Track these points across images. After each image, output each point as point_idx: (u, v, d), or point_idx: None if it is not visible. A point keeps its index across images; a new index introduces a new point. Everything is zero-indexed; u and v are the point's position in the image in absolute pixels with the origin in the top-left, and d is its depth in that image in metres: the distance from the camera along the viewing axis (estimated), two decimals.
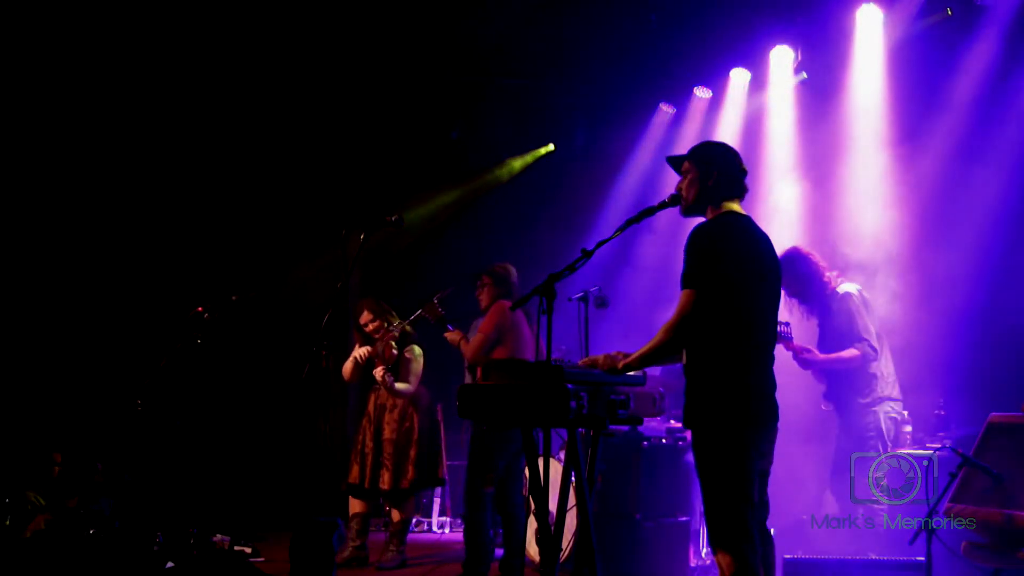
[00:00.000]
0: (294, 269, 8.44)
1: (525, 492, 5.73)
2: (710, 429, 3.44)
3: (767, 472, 3.55)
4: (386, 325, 6.44)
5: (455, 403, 3.71)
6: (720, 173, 3.64)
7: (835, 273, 5.52)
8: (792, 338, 5.31)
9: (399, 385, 6.41)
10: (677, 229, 7.79)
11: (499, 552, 5.97)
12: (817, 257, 5.51)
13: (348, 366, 6.55)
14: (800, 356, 5.37)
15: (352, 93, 8.33)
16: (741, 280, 3.47)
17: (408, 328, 6.41)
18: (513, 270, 5.88)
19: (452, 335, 5.87)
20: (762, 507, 3.54)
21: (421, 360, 6.53)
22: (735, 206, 3.65)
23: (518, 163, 9.38)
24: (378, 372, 6.38)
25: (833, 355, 5.33)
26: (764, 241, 3.63)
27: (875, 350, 5.27)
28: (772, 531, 3.60)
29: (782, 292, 5.41)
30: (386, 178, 8.90)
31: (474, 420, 3.65)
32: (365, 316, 6.54)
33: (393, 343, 6.46)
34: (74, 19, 6.99)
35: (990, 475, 4.00)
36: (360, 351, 6.52)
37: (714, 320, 3.44)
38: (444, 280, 6.32)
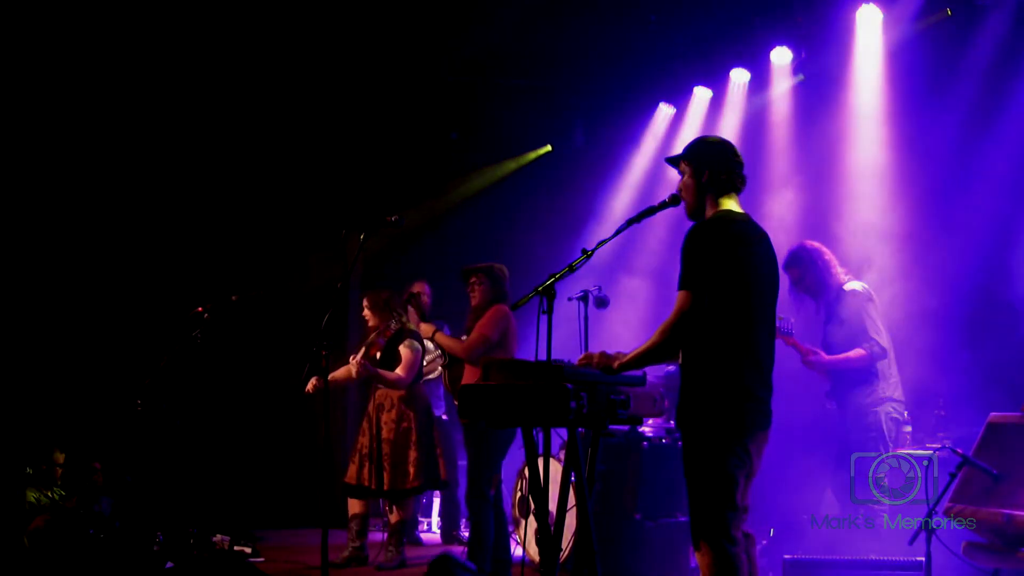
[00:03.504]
0: (294, 269, 8.45)
1: (524, 492, 5.71)
2: (700, 433, 3.43)
3: (751, 476, 3.53)
4: (387, 324, 6.41)
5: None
6: (712, 170, 3.59)
7: (844, 271, 5.49)
8: (792, 332, 5.27)
9: (383, 372, 6.29)
10: (678, 229, 7.80)
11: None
12: (828, 254, 5.46)
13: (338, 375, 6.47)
14: (806, 358, 5.36)
15: (352, 93, 8.33)
16: (738, 281, 3.44)
17: (408, 325, 6.39)
18: (507, 272, 5.77)
19: (426, 327, 5.76)
20: (743, 510, 3.53)
21: (417, 354, 6.38)
22: (732, 203, 3.60)
23: (518, 163, 9.39)
24: (353, 359, 6.30)
25: (840, 356, 5.29)
26: (762, 240, 3.58)
27: (884, 349, 5.25)
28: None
29: (791, 288, 5.46)
30: (386, 178, 8.90)
31: (475, 420, 3.64)
32: (365, 312, 6.54)
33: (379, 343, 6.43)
34: (75, 19, 6.99)
35: (990, 475, 3.99)
36: (317, 378, 6.14)
37: (710, 321, 3.41)
38: (443, 280, 6.32)
